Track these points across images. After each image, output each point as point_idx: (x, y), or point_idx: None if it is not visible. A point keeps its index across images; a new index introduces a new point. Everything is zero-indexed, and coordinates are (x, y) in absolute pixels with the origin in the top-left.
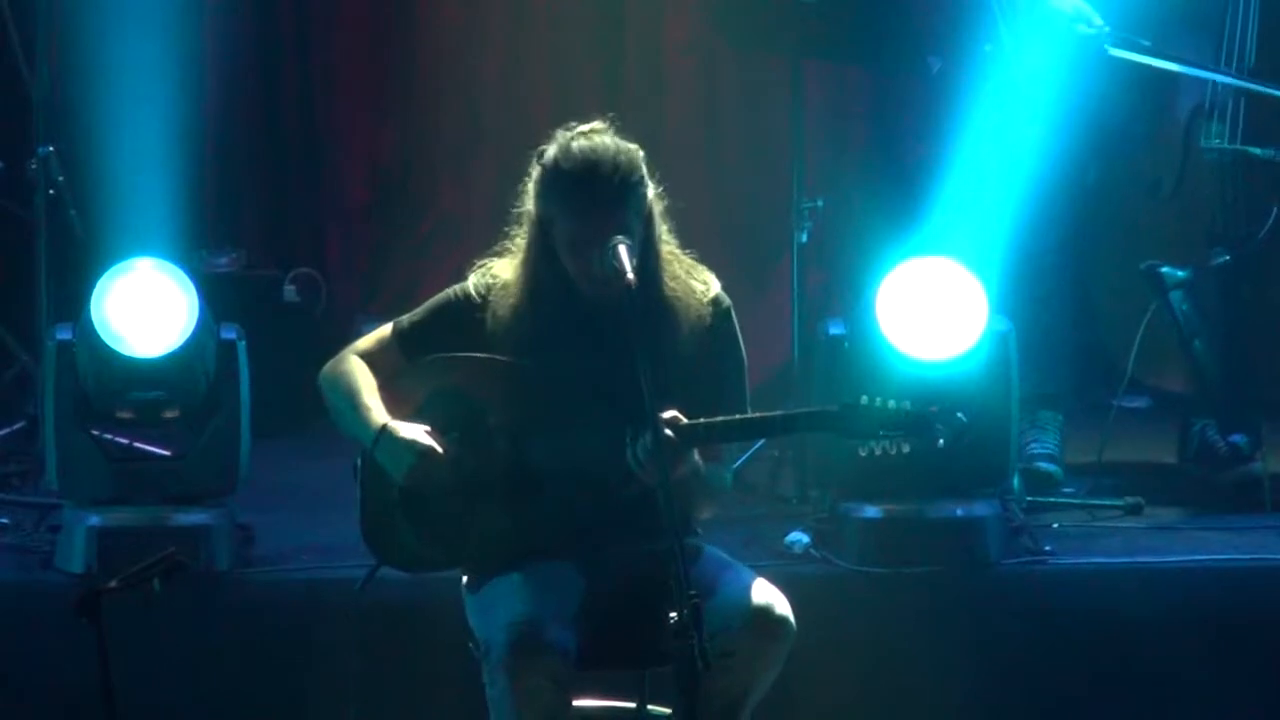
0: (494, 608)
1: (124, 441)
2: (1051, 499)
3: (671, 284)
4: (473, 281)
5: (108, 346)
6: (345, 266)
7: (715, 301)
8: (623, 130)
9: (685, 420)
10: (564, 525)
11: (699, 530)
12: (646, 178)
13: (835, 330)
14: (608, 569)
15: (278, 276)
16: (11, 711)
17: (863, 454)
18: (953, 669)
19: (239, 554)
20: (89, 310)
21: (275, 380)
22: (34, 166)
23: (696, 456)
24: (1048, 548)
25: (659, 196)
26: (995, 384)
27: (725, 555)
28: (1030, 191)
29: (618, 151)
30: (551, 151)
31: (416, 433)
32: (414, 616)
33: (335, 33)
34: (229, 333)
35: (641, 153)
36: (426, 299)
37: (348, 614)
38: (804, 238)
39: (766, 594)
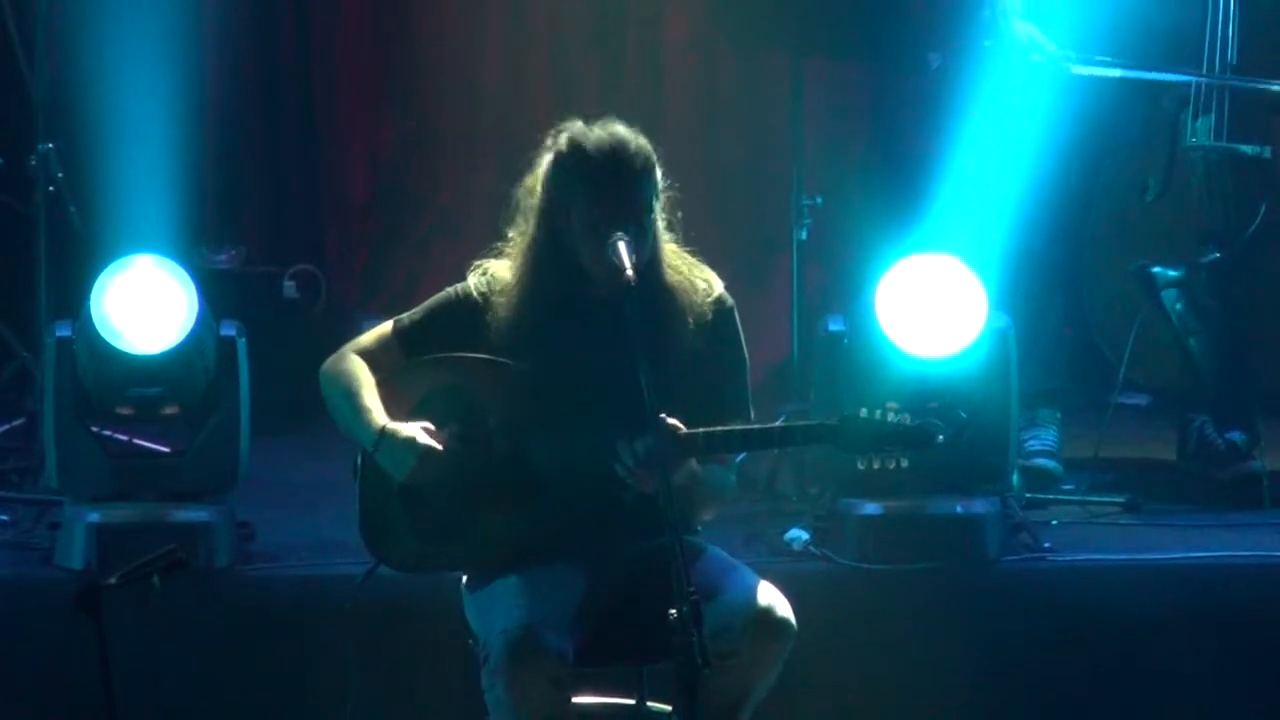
0: (492, 611)
1: (123, 438)
2: (1051, 496)
3: (674, 280)
4: (473, 281)
5: (107, 343)
6: (345, 263)
7: (718, 301)
8: None
9: (684, 429)
10: (564, 526)
11: (699, 529)
12: (657, 158)
13: (835, 327)
14: (608, 568)
15: (277, 273)
16: (11, 708)
17: (861, 467)
18: (952, 666)
19: (238, 551)
20: (89, 307)
21: (275, 377)
22: (34, 163)
23: (694, 462)
24: (1047, 544)
25: (663, 192)
26: (994, 381)
27: (726, 555)
28: (1028, 188)
29: (635, 136)
30: (569, 138)
31: (416, 433)
32: (413, 614)
33: (335, 29)
34: (228, 329)
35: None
36: (426, 296)
37: (347, 611)
38: (804, 235)
39: (767, 596)
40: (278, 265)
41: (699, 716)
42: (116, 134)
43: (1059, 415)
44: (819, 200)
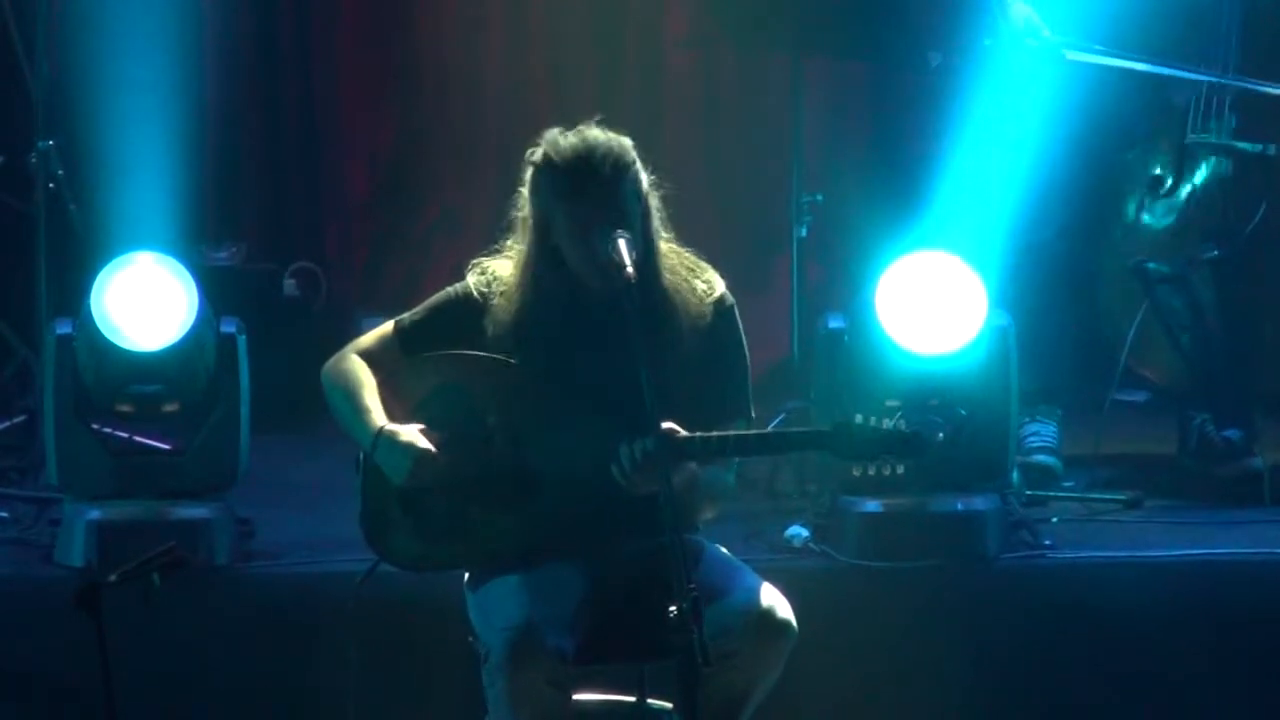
0: (493, 610)
1: (124, 435)
2: (1051, 493)
3: (671, 279)
4: (472, 280)
5: (107, 340)
6: (345, 261)
7: (719, 301)
8: (621, 126)
9: (682, 432)
10: (563, 525)
11: (699, 527)
12: (640, 165)
13: (835, 324)
14: (608, 567)
15: (277, 271)
16: (11, 705)
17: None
18: (952, 663)
19: (238, 548)
20: (89, 304)
21: (275, 374)
22: (34, 161)
23: (693, 464)
24: (1047, 542)
25: (654, 189)
26: (994, 378)
27: (727, 554)
28: (1035, 181)
29: (608, 138)
30: (542, 150)
31: (413, 435)
32: (414, 611)
33: (336, 27)
34: (229, 327)
35: (630, 142)
36: (426, 294)
37: (347, 609)
38: (804, 232)
39: (768, 597)
40: (278, 263)
41: (699, 715)
42: (116, 131)
43: (1059, 412)
44: (819, 198)
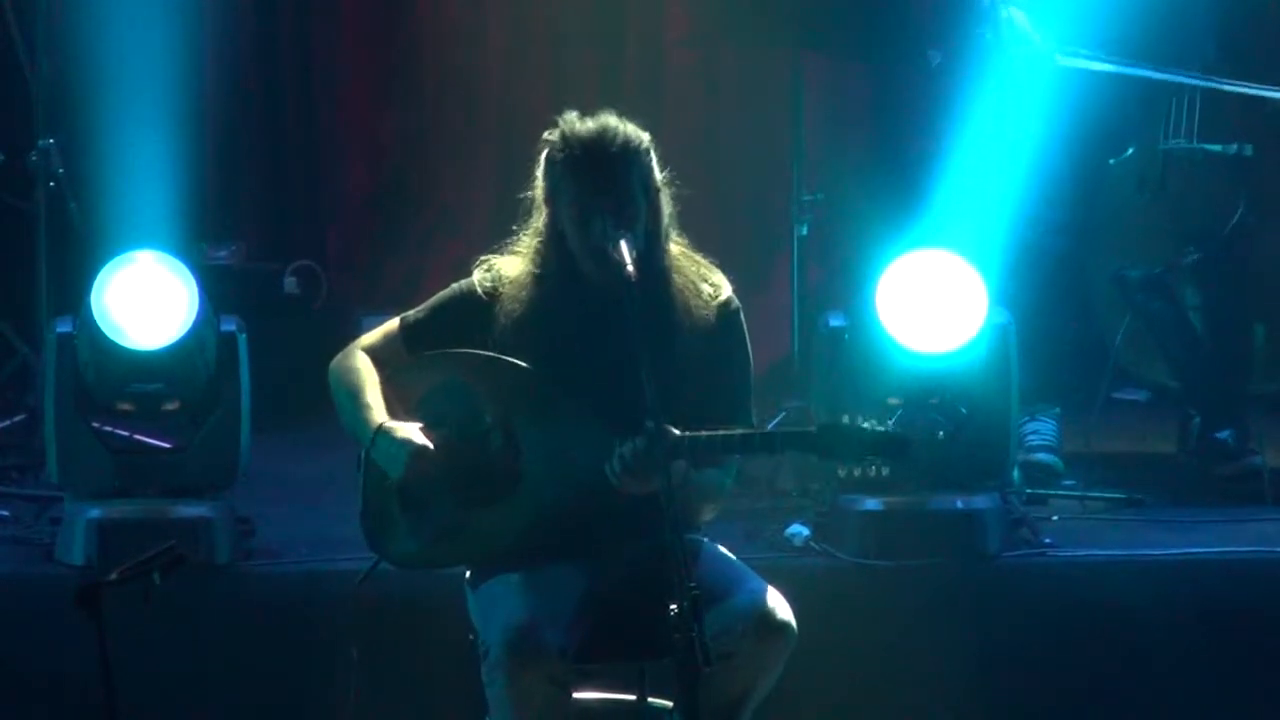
0: (493, 608)
1: (124, 434)
2: (1051, 492)
3: (680, 281)
4: (478, 278)
5: (108, 339)
6: (345, 259)
7: (725, 304)
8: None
9: (674, 432)
10: (563, 525)
11: (700, 526)
12: (654, 160)
13: (835, 323)
14: (608, 565)
15: (278, 269)
16: (12, 703)
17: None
18: (952, 661)
19: (239, 547)
20: (89, 302)
21: (275, 373)
22: (34, 159)
23: (685, 464)
24: (1047, 540)
25: (666, 186)
26: (995, 376)
27: (727, 554)
28: (1029, 180)
29: (623, 125)
30: (558, 130)
31: (411, 432)
32: (414, 609)
33: (336, 25)
34: (229, 325)
35: (648, 136)
36: (426, 292)
37: (348, 607)
38: (804, 231)
39: (768, 598)
40: (279, 261)
41: (699, 713)
42: (117, 130)
43: (1059, 410)
44: (819, 196)
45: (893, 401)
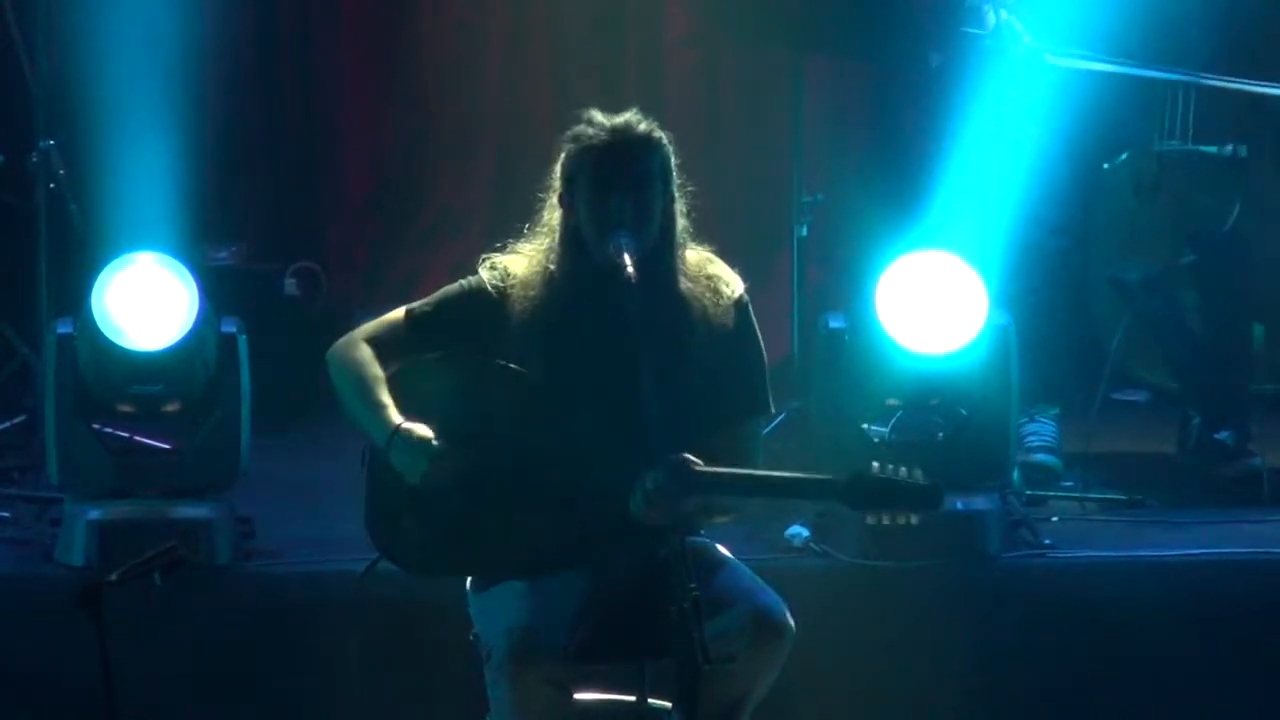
0: (496, 611)
1: (124, 435)
2: (1051, 493)
3: (691, 286)
4: (486, 275)
5: (108, 340)
6: (345, 260)
7: (737, 301)
8: None
9: (698, 465)
10: (569, 534)
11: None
12: (671, 161)
13: (835, 324)
14: (610, 567)
15: (278, 270)
16: (12, 705)
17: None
18: (952, 662)
19: (239, 547)
20: (90, 304)
21: (275, 374)
22: (35, 160)
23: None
24: (1047, 541)
25: (682, 193)
26: (995, 378)
27: (727, 554)
28: (1028, 180)
29: (645, 121)
30: (582, 119)
31: (429, 435)
32: (415, 610)
33: (336, 25)
34: (229, 326)
35: (671, 136)
36: (426, 293)
37: (348, 607)
38: (804, 232)
39: (768, 599)
40: (279, 262)
41: (699, 714)
42: (117, 131)
43: (1058, 411)
44: (819, 197)
45: (892, 403)
